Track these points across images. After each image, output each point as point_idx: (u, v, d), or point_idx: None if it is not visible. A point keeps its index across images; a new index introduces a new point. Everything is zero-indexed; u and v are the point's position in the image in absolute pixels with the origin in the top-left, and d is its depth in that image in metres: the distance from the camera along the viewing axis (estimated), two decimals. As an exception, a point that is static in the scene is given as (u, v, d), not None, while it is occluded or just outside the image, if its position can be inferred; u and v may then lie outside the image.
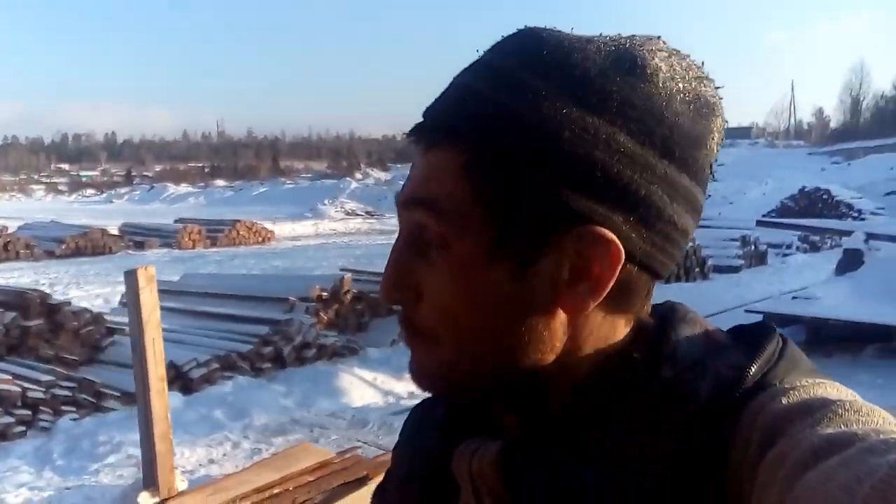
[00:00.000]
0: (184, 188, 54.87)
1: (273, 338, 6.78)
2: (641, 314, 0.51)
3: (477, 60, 0.50)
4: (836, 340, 7.03)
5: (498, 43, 0.50)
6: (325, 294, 7.80)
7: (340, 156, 70.33)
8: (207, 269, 13.82)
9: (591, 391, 0.48)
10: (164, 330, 3.64)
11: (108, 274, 12.97)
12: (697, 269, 12.03)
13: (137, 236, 20.00)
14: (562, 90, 0.46)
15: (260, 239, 21.50)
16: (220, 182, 61.18)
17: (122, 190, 60.25)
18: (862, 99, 56.80)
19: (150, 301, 3.32)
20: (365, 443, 4.66)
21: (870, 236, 10.90)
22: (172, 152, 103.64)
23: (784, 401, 0.43)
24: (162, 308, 3.64)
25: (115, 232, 19.88)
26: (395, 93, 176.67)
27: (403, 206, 0.50)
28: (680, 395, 0.45)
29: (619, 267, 0.47)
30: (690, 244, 11.17)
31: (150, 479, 3.54)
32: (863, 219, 21.28)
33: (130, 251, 18.62)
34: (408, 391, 6.15)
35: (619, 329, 0.50)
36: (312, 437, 5.02)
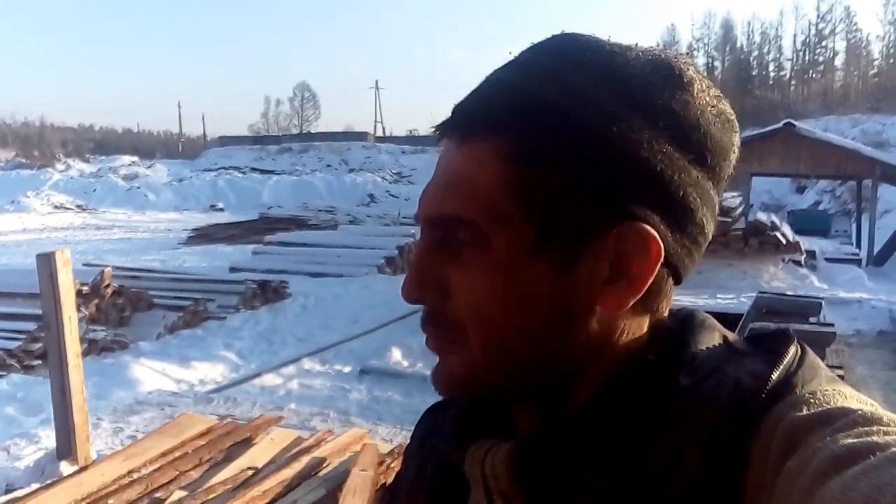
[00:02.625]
0: None
1: (41, 334, 6.37)
2: (659, 316, 0.51)
3: (515, 59, 0.50)
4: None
5: (536, 44, 0.49)
6: (85, 289, 7.66)
7: (31, 144, 61.19)
8: None
9: (613, 391, 0.47)
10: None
11: None
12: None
13: None
14: (606, 90, 0.46)
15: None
16: None
17: None
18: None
19: (66, 281, 3.65)
20: (220, 416, 4.80)
21: None
22: None
23: (804, 409, 0.42)
24: None
25: None
26: (92, 80, 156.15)
27: (434, 201, 0.48)
28: (701, 405, 0.44)
29: (658, 266, 0.47)
30: (410, 239, 13.14)
31: (66, 450, 3.73)
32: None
33: None
34: (199, 378, 6.54)
35: (643, 329, 0.50)
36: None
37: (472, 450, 0.51)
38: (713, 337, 0.50)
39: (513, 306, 0.47)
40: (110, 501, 3.07)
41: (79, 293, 7.45)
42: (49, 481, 3.46)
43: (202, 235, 20.09)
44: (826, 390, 0.44)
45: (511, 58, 0.50)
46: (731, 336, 0.51)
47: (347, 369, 7.02)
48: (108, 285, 8.14)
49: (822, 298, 8.62)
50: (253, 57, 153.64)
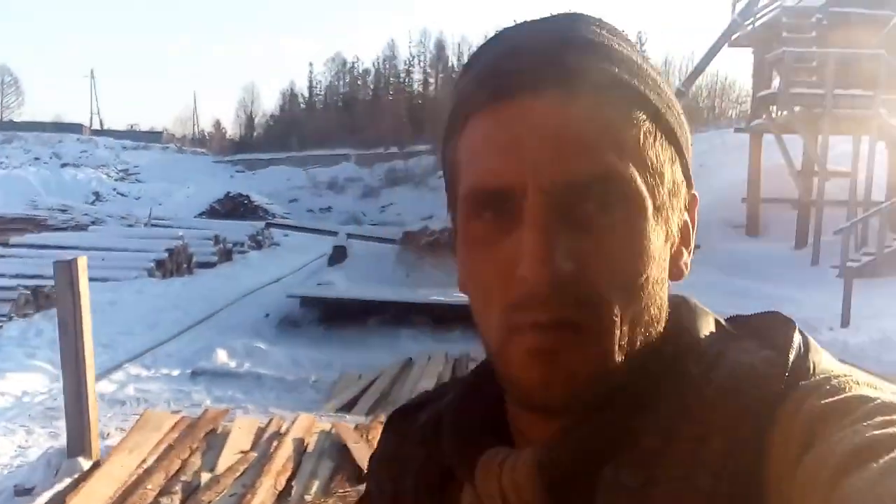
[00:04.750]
0: None
1: None
2: None
3: (552, 19, 0.47)
4: (346, 316, 9.22)
5: (558, 15, 0.47)
6: None
7: None
8: None
9: (641, 383, 0.45)
10: None
11: None
12: (185, 265, 13.88)
13: None
14: (645, 60, 0.46)
15: None
16: None
17: None
18: (255, 116, 66.06)
19: (85, 287, 3.96)
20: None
21: (349, 235, 14.55)
22: None
23: (823, 398, 0.40)
24: None
25: None
26: None
27: (574, 161, 0.42)
28: (720, 395, 0.43)
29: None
30: (179, 241, 13.28)
31: (79, 447, 3.93)
32: (275, 223, 26.39)
33: None
34: (21, 390, 6.28)
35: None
36: None
37: (484, 461, 0.48)
38: (709, 321, 0.50)
39: (653, 273, 0.45)
40: (148, 486, 3.56)
41: None
42: (74, 476, 3.77)
43: None
44: (839, 376, 0.43)
45: (537, 20, 0.47)
46: (722, 319, 0.51)
47: (176, 372, 7.23)
48: None
49: None
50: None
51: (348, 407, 6.04)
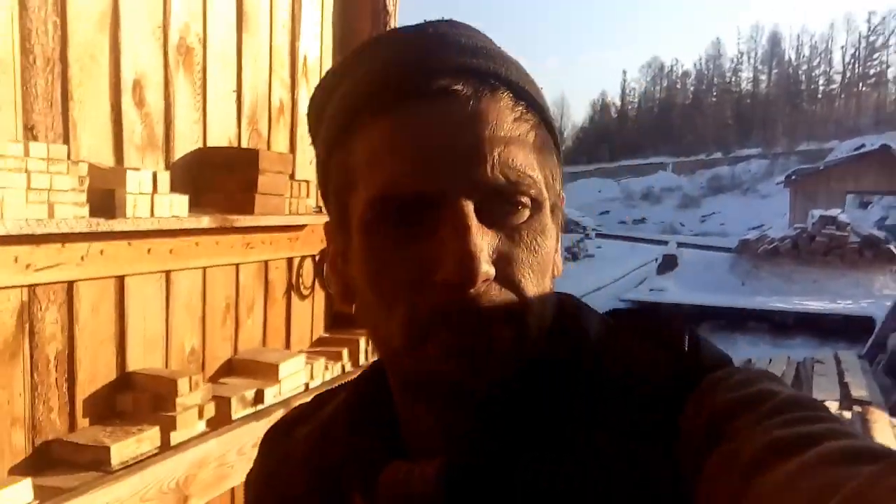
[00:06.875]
0: None
1: None
2: None
3: (438, 23, 0.46)
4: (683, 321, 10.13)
5: (446, 21, 0.47)
6: None
7: None
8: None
9: (548, 377, 0.45)
10: None
11: None
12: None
13: None
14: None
15: None
16: None
17: None
18: (563, 130, 66.97)
19: None
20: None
21: (680, 244, 14.86)
22: None
23: (730, 391, 0.41)
24: None
25: None
26: None
27: (507, 162, 0.42)
28: (627, 388, 0.44)
29: None
30: None
31: None
32: (587, 235, 25.86)
33: None
34: None
35: None
36: None
37: (384, 481, 0.46)
38: (596, 316, 0.50)
39: (551, 272, 0.46)
40: None
41: None
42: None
43: None
44: (737, 369, 0.45)
45: (421, 24, 0.47)
46: (603, 314, 0.51)
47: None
48: None
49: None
50: None
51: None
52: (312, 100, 0.50)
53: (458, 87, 0.42)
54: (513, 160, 0.42)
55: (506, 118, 0.43)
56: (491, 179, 0.41)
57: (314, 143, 0.50)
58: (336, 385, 0.58)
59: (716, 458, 0.38)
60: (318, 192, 0.46)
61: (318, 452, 0.51)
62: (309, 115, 0.51)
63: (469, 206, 0.41)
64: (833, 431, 0.36)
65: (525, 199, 0.43)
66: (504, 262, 0.42)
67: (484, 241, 0.41)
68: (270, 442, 0.58)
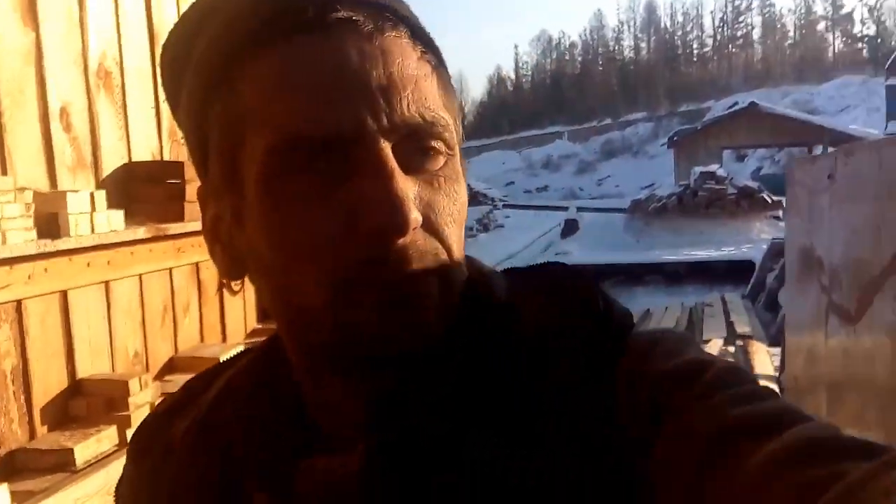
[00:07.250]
0: None
1: None
2: None
3: None
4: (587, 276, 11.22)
5: None
6: None
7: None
8: None
9: (472, 341, 0.43)
10: None
11: None
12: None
13: None
14: None
15: None
16: None
17: None
18: (464, 105, 67.88)
19: None
20: None
21: (579, 209, 15.91)
22: None
23: (657, 362, 0.40)
24: None
25: None
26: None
27: (420, 100, 0.39)
28: (556, 348, 0.42)
29: None
30: None
31: None
32: (496, 206, 26.60)
33: None
34: None
35: None
36: None
37: (302, 485, 0.42)
38: (497, 274, 0.48)
39: (464, 224, 0.43)
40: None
41: None
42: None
43: None
44: (656, 336, 0.43)
45: None
46: (497, 270, 0.49)
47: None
48: None
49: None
50: None
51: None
52: (165, 54, 0.45)
53: (359, 18, 0.38)
54: (425, 99, 0.39)
55: (410, 56, 0.40)
56: (408, 118, 0.38)
57: (173, 103, 0.45)
58: (204, 371, 0.52)
59: (666, 438, 0.37)
60: (189, 157, 0.44)
61: (203, 448, 0.46)
62: (163, 72, 0.45)
63: (388, 148, 0.38)
64: (786, 411, 0.35)
65: (439, 145, 0.40)
66: (427, 210, 0.39)
67: (407, 186, 0.38)
68: (145, 439, 0.51)
